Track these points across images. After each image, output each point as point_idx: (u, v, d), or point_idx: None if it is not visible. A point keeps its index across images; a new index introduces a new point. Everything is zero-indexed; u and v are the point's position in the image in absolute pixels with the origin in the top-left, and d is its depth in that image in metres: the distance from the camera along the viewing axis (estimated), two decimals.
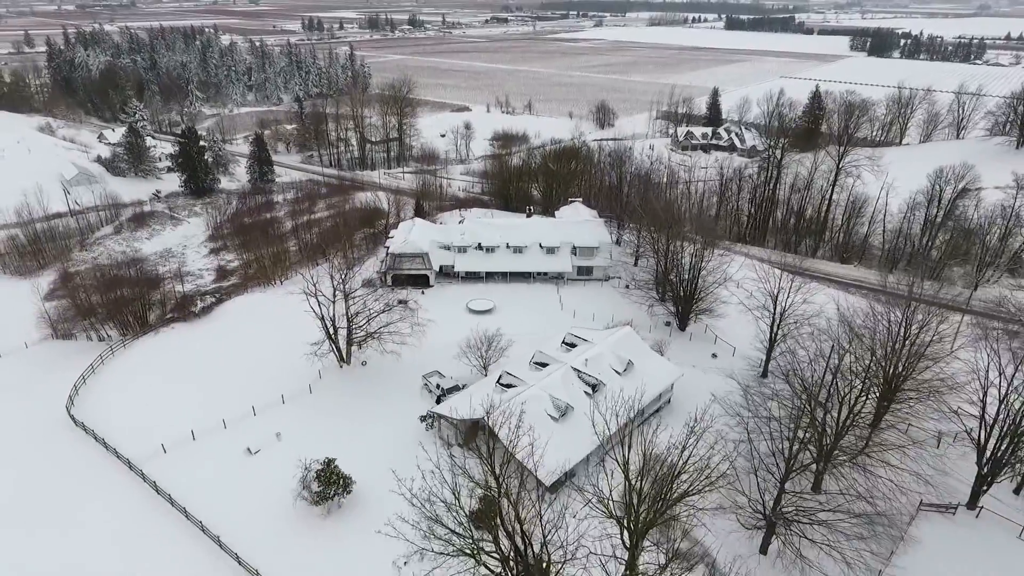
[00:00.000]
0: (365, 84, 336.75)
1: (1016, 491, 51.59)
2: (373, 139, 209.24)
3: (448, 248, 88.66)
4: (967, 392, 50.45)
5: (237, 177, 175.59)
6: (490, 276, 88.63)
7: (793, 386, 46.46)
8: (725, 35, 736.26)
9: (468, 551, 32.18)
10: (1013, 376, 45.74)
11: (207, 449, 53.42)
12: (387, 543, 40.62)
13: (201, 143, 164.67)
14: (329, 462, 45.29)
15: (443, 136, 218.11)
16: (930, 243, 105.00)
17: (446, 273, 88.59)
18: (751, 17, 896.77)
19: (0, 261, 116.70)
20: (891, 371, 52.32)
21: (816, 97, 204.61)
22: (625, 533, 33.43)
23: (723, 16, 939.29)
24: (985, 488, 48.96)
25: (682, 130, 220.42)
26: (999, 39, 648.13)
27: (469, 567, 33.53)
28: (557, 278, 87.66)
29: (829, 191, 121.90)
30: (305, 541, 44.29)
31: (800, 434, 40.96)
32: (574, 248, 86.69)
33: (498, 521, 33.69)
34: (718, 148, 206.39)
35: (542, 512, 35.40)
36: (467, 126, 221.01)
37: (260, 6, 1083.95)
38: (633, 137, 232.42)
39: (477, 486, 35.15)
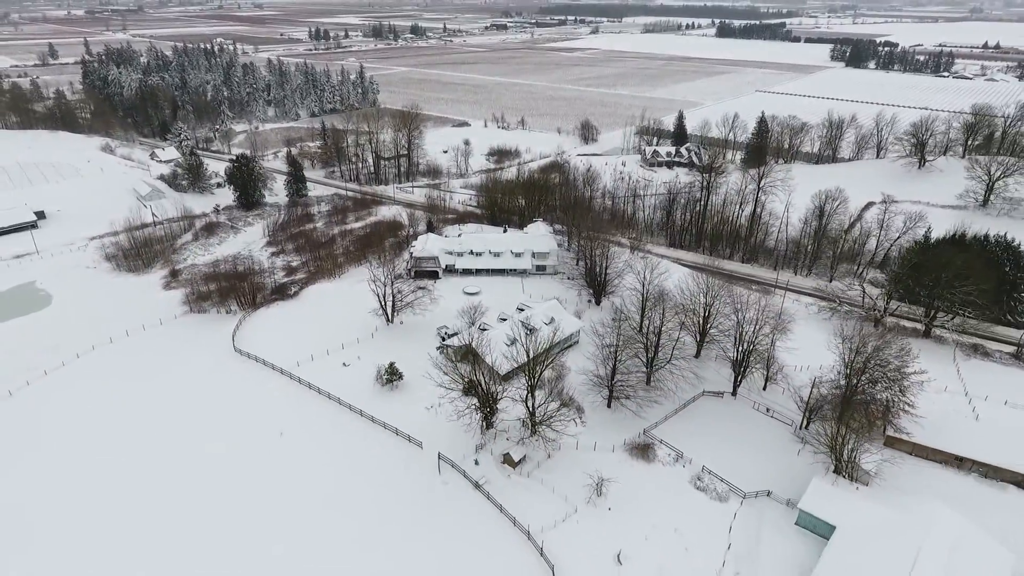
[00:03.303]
0: (374, 99, 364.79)
1: (764, 388, 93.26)
2: (385, 156, 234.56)
3: (451, 253, 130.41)
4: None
5: (275, 192, 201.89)
6: (478, 272, 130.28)
7: (632, 325, 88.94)
8: (715, 43, 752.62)
9: (462, 387, 74.71)
10: (744, 320, 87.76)
11: (320, 364, 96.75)
12: (422, 399, 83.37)
13: (251, 164, 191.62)
14: (392, 363, 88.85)
15: (445, 152, 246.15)
16: (813, 247, 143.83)
17: (449, 269, 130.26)
18: (743, 24, 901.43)
19: (115, 261, 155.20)
20: (702, 320, 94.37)
21: (762, 122, 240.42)
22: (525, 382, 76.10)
23: (716, 23, 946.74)
24: (738, 383, 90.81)
25: (650, 149, 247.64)
26: (976, 47, 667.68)
27: (460, 399, 75.79)
28: (522, 273, 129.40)
29: (748, 206, 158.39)
30: (381, 399, 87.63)
31: (624, 347, 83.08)
32: (533, 253, 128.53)
33: (478, 387, 76.08)
34: (680, 165, 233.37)
35: (499, 387, 78.05)
36: (466, 143, 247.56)
37: (264, 11, 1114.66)
38: (610, 152, 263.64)
39: (470, 366, 77.49)
